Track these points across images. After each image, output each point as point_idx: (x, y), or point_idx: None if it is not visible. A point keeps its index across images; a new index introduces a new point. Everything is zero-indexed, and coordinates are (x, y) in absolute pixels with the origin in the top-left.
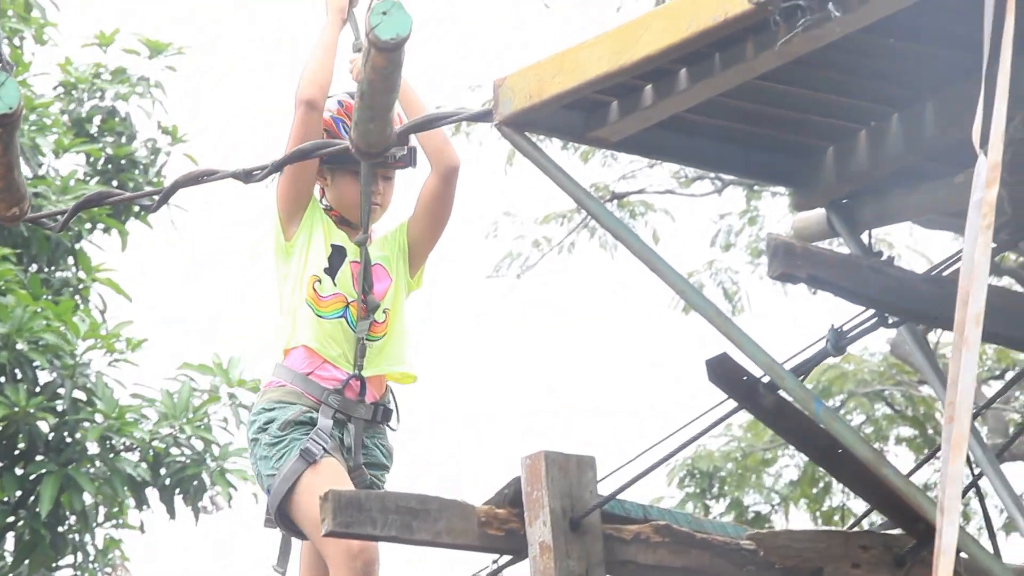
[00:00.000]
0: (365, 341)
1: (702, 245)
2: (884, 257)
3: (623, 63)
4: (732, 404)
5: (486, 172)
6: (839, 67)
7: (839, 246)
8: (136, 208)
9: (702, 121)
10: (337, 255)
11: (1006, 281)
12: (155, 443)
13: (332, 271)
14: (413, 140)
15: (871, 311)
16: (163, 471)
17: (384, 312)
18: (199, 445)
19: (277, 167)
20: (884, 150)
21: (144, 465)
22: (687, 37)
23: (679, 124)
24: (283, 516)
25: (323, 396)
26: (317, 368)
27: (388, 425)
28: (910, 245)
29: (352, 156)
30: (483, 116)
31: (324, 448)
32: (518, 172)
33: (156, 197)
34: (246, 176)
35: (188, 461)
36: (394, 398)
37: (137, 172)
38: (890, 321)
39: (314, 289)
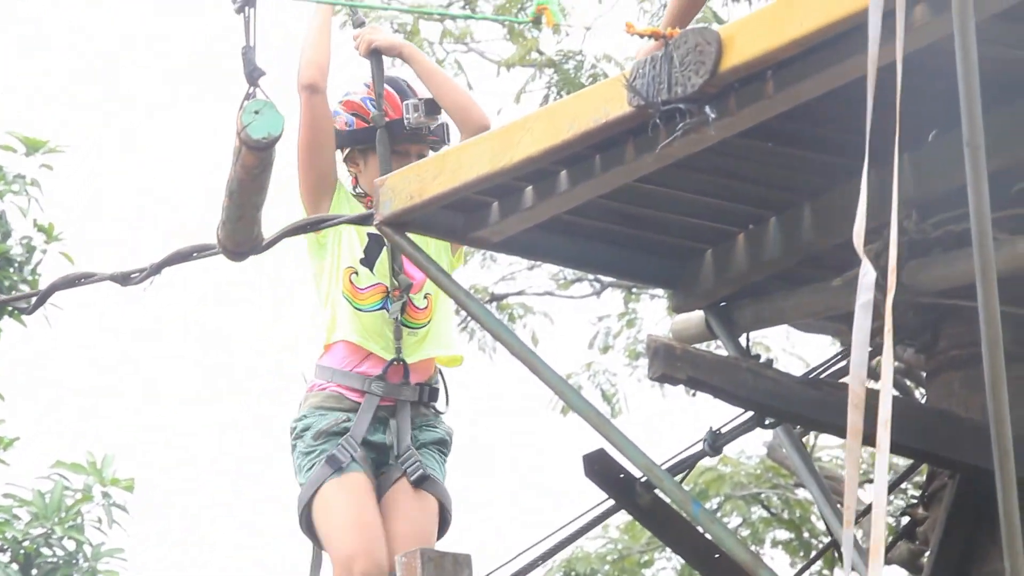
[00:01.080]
0: (403, 327)
1: (580, 347)
2: (762, 360)
3: (504, 164)
4: (610, 504)
5: None
6: (718, 170)
7: (717, 348)
8: (9, 307)
9: (582, 222)
10: (375, 244)
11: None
12: (26, 543)
13: (369, 261)
14: (444, 116)
15: (748, 413)
16: (34, 572)
17: (426, 297)
18: (71, 546)
19: (155, 270)
20: (762, 253)
21: (15, 566)
22: (568, 139)
23: (559, 225)
24: (308, 524)
25: (366, 385)
26: (360, 362)
27: (435, 406)
28: (787, 348)
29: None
30: (364, 219)
31: (352, 456)
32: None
33: (33, 300)
34: (123, 279)
35: (60, 562)
36: (443, 379)
37: (12, 270)
38: (767, 423)
39: (351, 281)
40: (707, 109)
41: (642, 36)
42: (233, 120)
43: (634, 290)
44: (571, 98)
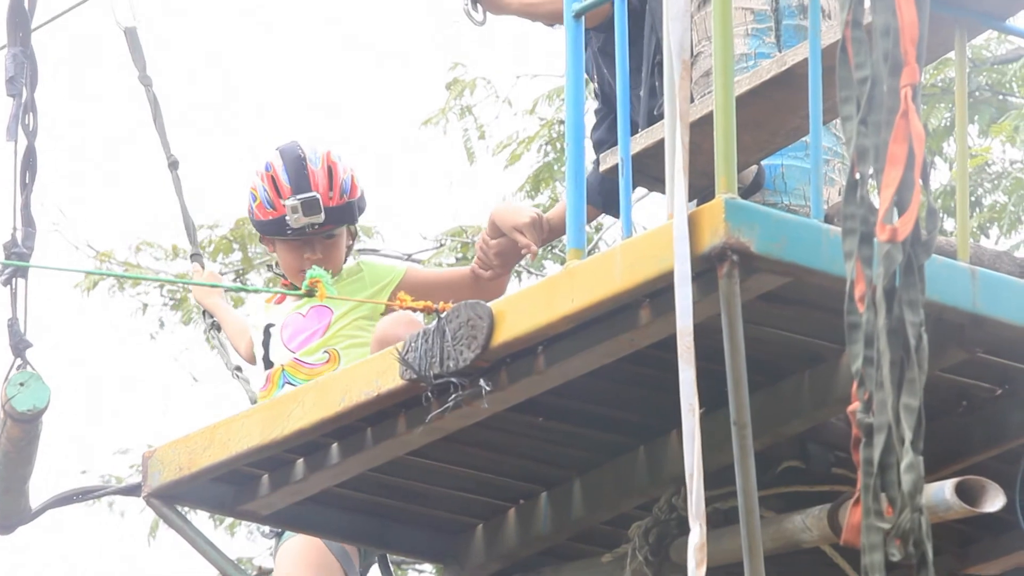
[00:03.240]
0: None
1: None
2: None
3: (274, 437)
4: None
5: (127, 543)
6: (489, 444)
7: None
8: None
9: (353, 495)
10: (266, 336)
11: None
12: None
13: (266, 359)
14: (345, 191)
15: None
16: None
17: (327, 352)
18: None
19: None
20: (532, 529)
21: None
22: (339, 412)
23: (330, 498)
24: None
25: None
26: None
27: None
28: None
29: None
30: (131, 490)
31: None
32: (162, 543)
33: None
34: None
35: None
36: None
37: None
38: None
39: (259, 389)
40: (479, 383)
41: (415, 310)
42: None
43: (403, 564)
44: (343, 371)
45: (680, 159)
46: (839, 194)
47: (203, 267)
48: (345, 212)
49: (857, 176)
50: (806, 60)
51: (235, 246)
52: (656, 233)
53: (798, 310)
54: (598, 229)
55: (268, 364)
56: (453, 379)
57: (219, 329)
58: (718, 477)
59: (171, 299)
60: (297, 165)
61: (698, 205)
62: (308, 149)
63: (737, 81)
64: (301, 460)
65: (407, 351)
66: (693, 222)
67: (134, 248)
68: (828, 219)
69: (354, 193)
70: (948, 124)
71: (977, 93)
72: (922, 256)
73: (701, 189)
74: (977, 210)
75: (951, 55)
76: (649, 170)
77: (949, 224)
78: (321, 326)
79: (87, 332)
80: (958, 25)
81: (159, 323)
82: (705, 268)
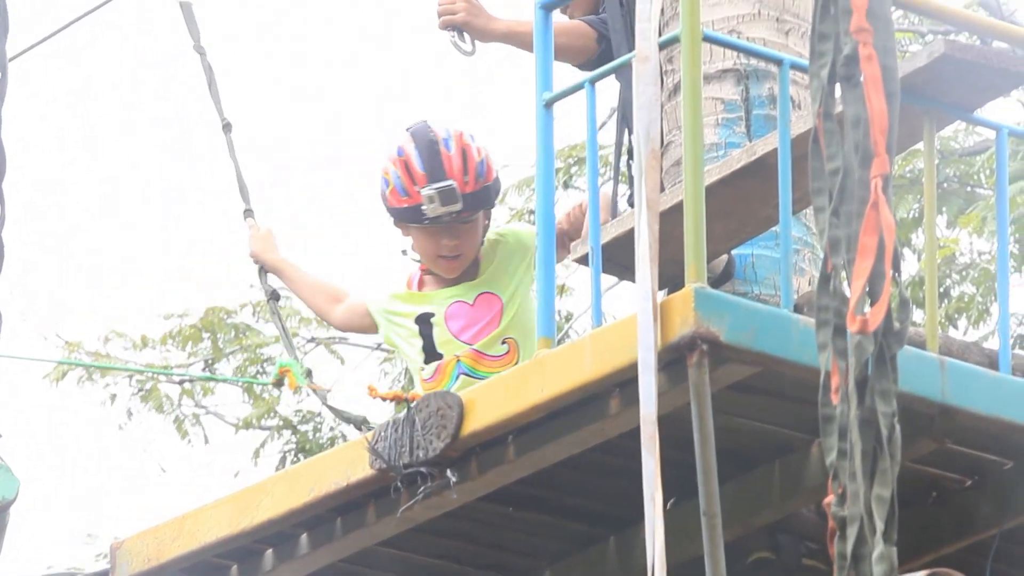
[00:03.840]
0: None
1: None
2: None
3: (244, 527)
4: None
5: None
6: (459, 534)
7: None
8: None
9: None
10: (425, 327)
11: None
12: None
13: (429, 350)
14: (483, 171)
15: None
16: None
17: (505, 343)
18: None
19: None
20: None
21: None
22: (309, 502)
23: None
24: None
25: None
26: None
27: None
28: None
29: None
30: None
31: None
32: None
33: None
34: None
35: None
36: None
37: None
38: None
39: (422, 379)
40: (448, 473)
41: (384, 399)
42: None
43: None
44: (312, 460)
45: (647, 248)
46: (809, 284)
47: (255, 223)
48: (482, 197)
49: (830, 268)
50: (776, 150)
51: (204, 335)
52: (625, 322)
53: (768, 400)
54: (568, 318)
55: (433, 356)
56: (422, 469)
57: (277, 299)
58: (689, 568)
59: (140, 389)
60: (431, 150)
61: (668, 294)
62: (440, 130)
63: (707, 170)
64: (270, 550)
65: (376, 440)
66: (663, 311)
67: (103, 338)
68: (798, 309)
69: (489, 176)
70: (917, 215)
71: (945, 184)
72: (894, 347)
73: (671, 278)
74: (946, 301)
75: (920, 146)
76: (619, 259)
77: (918, 315)
78: (493, 314)
79: (56, 423)
80: (927, 116)
81: (128, 413)
82: (675, 357)
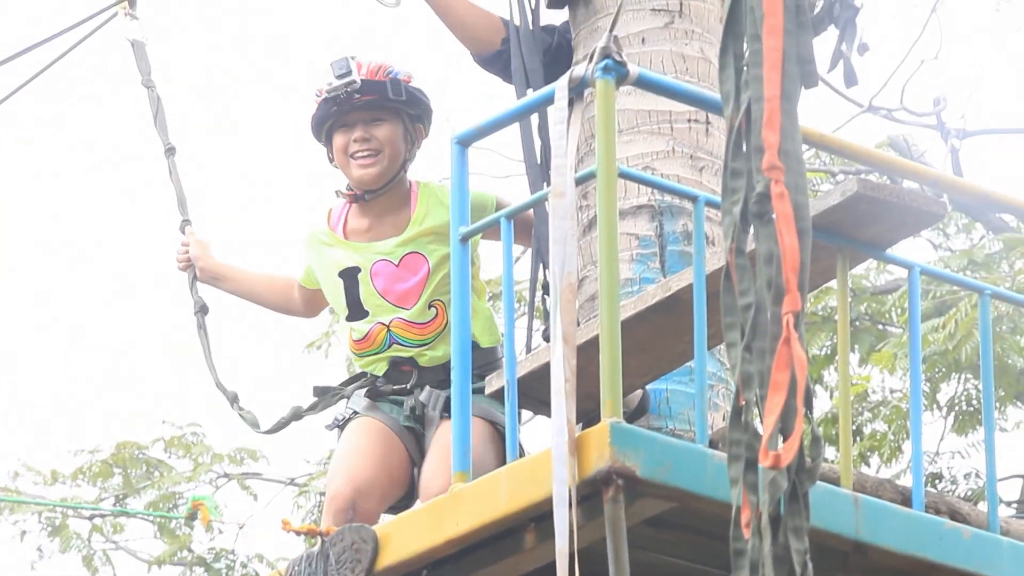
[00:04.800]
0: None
1: None
2: None
3: None
4: None
5: None
6: None
7: None
8: None
9: None
10: (350, 282)
11: None
12: None
13: (353, 304)
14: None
15: None
16: None
17: (433, 306)
18: None
19: None
20: None
21: None
22: None
23: None
24: None
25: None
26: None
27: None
28: None
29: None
30: None
31: (354, 410)
32: None
33: None
34: None
35: None
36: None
37: None
38: None
39: (352, 339)
40: None
41: (298, 534)
42: None
43: None
44: None
45: (563, 382)
46: (724, 419)
47: (193, 232)
48: (383, 87)
49: (742, 403)
50: (690, 285)
51: (116, 470)
52: (540, 457)
53: (683, 535)
54: None
55: (357, 312)
56: None
57: (206, 312)
58: None
59: (50, 526)
60: (342, 61)
61: (584, 428)
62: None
63: (622, 305)
64: None
65: (290, 574)
66: (579, 445)
67: (12, 473)
68: (713, 444)
69: (400, 79)
70: (829, 352)
71: (857, 322)
72: (807, 483)
73: (587, 412)
74: (858, 438)
75: (833, 283)
76: (535, 392)
77: (831, 452)
78: (419, 278)
79: None
80: (840, 254)
81: (38, 551)
82: (590, 492)
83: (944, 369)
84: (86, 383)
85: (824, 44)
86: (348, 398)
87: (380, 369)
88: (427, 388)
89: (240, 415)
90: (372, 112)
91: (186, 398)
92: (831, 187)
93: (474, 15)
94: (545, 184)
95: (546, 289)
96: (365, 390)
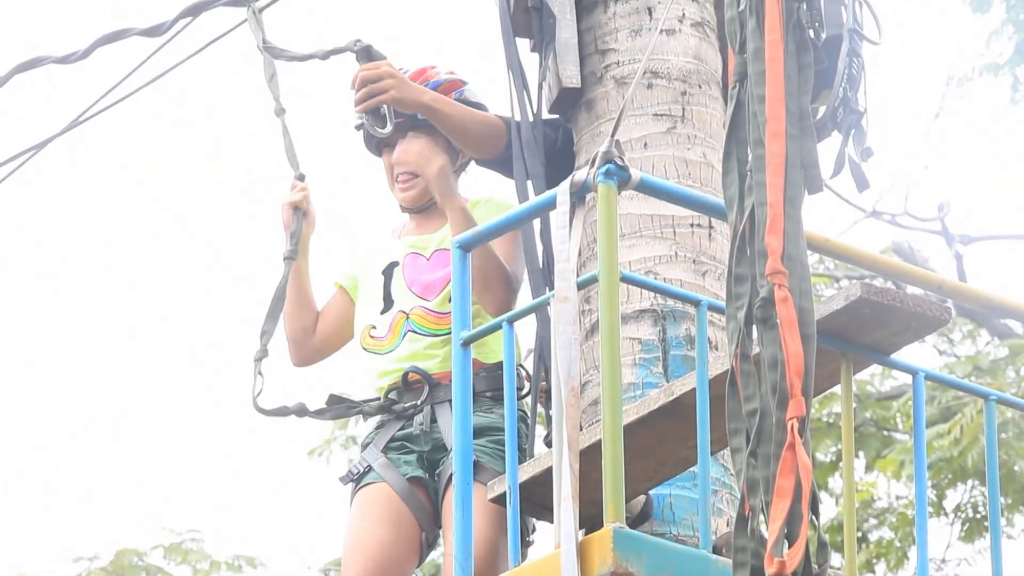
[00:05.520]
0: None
1: None
2: None
3: None
4: None
5: None
6: None
7: None
8: None
9: None
10: (388, 277)
11: None
12: None
13: (386, 297)
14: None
15: None
16: None
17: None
18: None
19: None
20: None
21: None
22: None
23: None
24: None
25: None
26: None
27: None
28: None
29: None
30: None
31: (364, 468)
32: None
33: None
34: None
35: None
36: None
37: None
38: None
39: (370, 336)
40: None
41: None
42: None
43: None
44: None
45: (568, 487)
46: (727, 524)
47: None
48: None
49: (748, 509)
50: (694, 390)
51: None
52: (544, 562)
53: None
54: None
55: (388, 302)
56: None
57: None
58: None
59: None
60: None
61: (586, 534)
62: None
63: (625, 410)
64: None
65: None
66: (582, 551)
67: None
68: (716, 550)
69: (437, 88)
70: (834, 458)
71: (862, 428)
72: None
73: (589, 518)
74: (864, 545)
75: (837, 389)
76: (537, 498)
77: (836, 559)
78: (445, 272)
79: None
80: (844, 359)
81: None
82: None
83: (950, 475)
84: (85, 489)
85: (828, 149)
86: (364, 414)
87: (392, 379)
88: (442, 417)
89: (256, 373)
90: (409, 126)
91: (186, 503)
92: (834, 292)
93: (480, 128)
94: (548, 288)
95: (547, 395)
96: (382, 438)
